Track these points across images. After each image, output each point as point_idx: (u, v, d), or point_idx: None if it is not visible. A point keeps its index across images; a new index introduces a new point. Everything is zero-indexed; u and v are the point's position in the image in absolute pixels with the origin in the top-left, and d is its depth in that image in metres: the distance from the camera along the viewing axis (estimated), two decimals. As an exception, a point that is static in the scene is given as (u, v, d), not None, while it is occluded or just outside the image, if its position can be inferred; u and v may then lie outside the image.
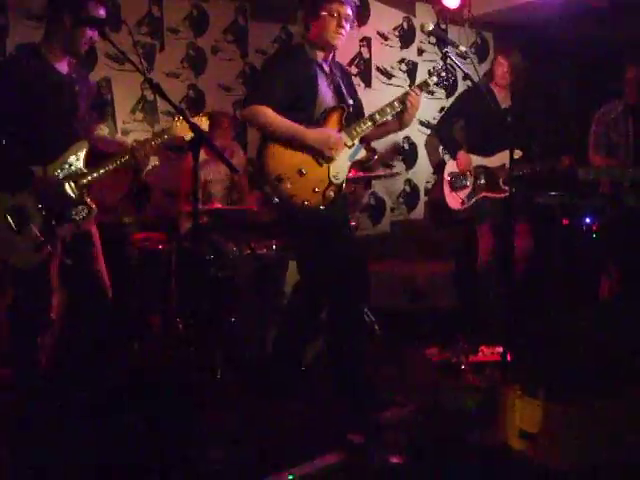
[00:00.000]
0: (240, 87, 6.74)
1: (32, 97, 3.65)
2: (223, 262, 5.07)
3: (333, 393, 4.22)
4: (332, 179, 4.01)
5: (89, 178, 3.78)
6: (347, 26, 4.06)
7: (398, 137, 6.95)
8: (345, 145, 4.06)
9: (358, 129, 4.09)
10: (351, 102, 4.23)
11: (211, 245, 5.24)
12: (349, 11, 4.04)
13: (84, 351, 3.93)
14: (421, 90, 4.15)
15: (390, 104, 4.11)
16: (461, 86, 7.15)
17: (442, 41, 4.00)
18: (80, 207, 3.76)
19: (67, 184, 3.73)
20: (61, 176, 3.73)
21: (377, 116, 4.10)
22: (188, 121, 3.29)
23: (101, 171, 3.82)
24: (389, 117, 4.14)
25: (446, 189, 5.84)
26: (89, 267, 3.93)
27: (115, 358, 4.71)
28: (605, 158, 5.40)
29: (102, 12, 3.70)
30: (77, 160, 3.78)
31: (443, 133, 6.08)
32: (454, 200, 5.78)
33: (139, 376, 4.42)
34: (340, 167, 4.04)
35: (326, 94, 4.12)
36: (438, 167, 6.45)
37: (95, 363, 4.12)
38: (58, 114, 3.75)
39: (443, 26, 7.07)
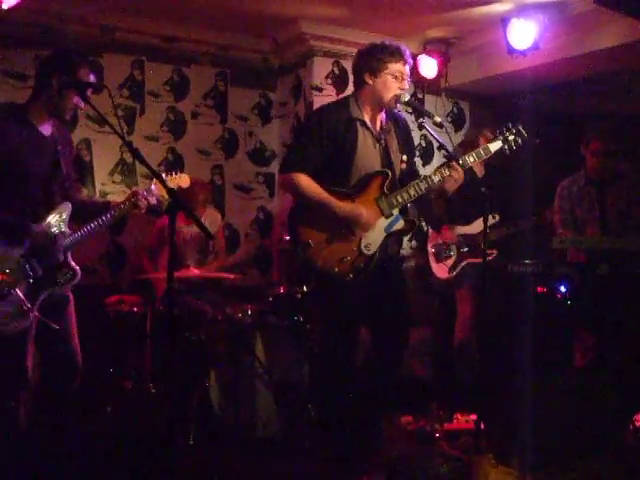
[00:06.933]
0: (219, 152, 6.81)
1: (14, 160, 3.61)
2: (198, 326, 5.04)
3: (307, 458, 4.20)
4: (363, 249, 3.83)
5: (71, 240, 3.72)
6: (406, 87, 3.94)
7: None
8: (382, 215, 3.89)
9: (399, 198, 3.90)
10: (405, 159, 4.07)
11: (186, 308, 5.22)
12: (409, 72, 3.94)
13: (56, 415, 3.84)
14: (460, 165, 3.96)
15: (438, 171, 3.97)
16: (437, 156, 7.24)
17: (418, 111, 4.06)
18: (64, 270, 3.69)
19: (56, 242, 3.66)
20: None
21: (422, 185, 3.91)
22: (165, 186, 3.30)
23: (84, 231, 3.75)
24: (435, 185, 3.94)
25: (431, 260, 5.98)
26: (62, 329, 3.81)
27: (87, 422, 4.65)
28: (574, 234, 5.41)
29: (92, 78, 3.71)
30: (61, 222, 3.72)
31: (424, 205, 6.16)
32: (441, 270, 5.91)
33: (111, 440, 4.36)
34: (373, 238, 3.87)
35: (368, 156, 3.92)
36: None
37: (68, 428, 4.05)
38: (40, 177, 3.70)
39: (420, 96, 7.16)
